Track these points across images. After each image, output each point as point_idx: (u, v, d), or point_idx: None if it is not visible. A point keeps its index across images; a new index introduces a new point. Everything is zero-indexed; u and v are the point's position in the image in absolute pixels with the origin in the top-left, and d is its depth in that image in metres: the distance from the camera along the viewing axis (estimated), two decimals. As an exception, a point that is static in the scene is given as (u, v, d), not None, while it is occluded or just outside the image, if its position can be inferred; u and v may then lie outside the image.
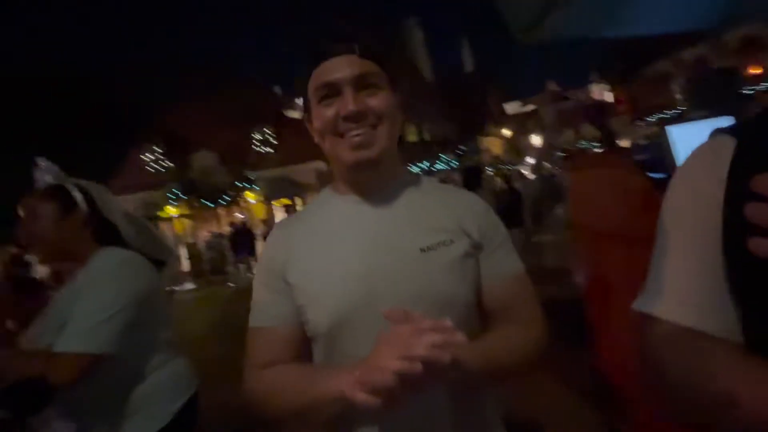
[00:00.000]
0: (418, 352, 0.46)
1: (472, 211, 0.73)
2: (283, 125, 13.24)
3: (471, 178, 5.30)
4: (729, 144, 0.46)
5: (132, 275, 1.09)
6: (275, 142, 13.40)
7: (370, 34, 0.75)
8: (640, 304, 0.51)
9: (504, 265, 0.72)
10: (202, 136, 13.27)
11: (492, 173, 14.71)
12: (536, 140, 17.87)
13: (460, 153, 18.09)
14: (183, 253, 12.12)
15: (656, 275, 0.52)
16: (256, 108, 13.24)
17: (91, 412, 1.05)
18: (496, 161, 19.33)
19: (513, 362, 0.65)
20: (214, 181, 12.73)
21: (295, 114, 13.48)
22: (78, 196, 1.14)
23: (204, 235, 12.65)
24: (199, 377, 1.24)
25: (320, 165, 12.15)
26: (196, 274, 11.65)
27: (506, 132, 21.26)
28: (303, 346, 0.69)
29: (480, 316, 0.72)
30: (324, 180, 12.22)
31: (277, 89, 15.58)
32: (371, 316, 0.60)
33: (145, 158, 13.06)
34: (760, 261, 0.33)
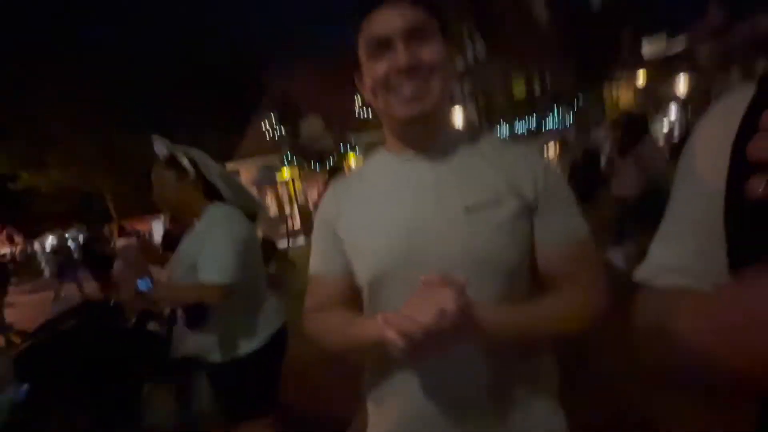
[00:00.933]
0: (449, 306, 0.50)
1: (528, 168, 0.68)
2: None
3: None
4: (748, 94, 0.43)
5: (237, 223, 1.34)
6: None
7: None
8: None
9: (563, 228, 0.67)
10: (310, 102, 14.05)
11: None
12: (682, 87, 13.87)
13: (576, 108, 15.74)
14: (295, 212, 13.36)
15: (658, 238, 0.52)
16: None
17: (213, 330, 1.33)
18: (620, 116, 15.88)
19: (555, 330, 0.65)
20: (320, 145, 13.50)
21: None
22: (185, 162, 1.38)
23: (313, 196, 13.70)
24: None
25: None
26: (305, 231, 12.81)
27: (640, 79, 16.91)
28: (354, 296, 0.74)
29: (533, 280, 0.69)
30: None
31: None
32: (412, 272, 0.59)
33: (263, 125, 14.43)
34: (755, 207, 0.33)
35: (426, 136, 0.70)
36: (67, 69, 15.33)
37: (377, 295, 0.69)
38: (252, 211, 1.46)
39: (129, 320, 2.00)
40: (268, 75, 16.37)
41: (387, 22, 0.63)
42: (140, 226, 15.61)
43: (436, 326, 0.50)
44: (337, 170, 4.99)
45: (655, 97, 16.21)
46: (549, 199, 0.66)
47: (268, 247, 5.70)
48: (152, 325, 2.02)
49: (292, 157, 13.46)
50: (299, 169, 14.13)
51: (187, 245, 1.33)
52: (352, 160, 13.68)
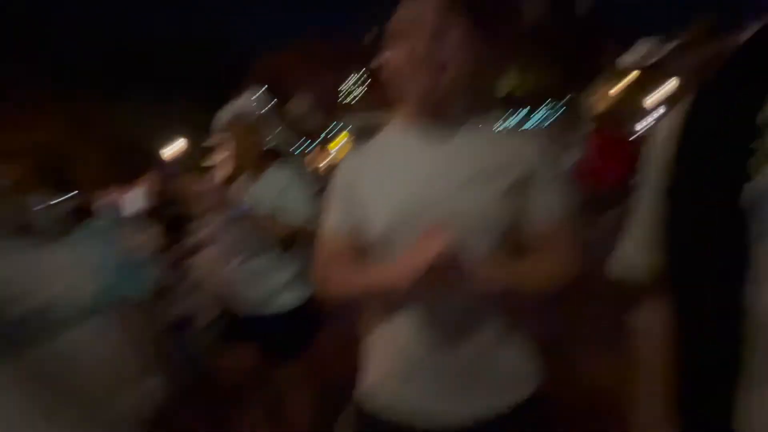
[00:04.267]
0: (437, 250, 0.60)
1: (528, 148, 0.77)
2: (375, 68, 13.13)
3: None
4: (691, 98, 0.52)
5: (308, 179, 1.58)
6: (367, 87, 13.42)
7: None
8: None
9: (548, 204, 0.76)
10: (298, 82, 13.84)
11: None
12: (661, 92, 14.36)
13: (560, 108, 16.17)
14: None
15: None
16: (349, 52, 13.25)
17: (286, 273, 1.52)
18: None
19: (533, 285, 0.74)
20: (308, 126, 13.38)
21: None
22: (269, 118, 1.59)
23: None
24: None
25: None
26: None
27: (612, 90, 17.54)
28: (361, 252, 0.82)
29: (519, 247, 0.78)
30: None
31: (371, 32, 15.28)
32: (418, 230, 0.68)
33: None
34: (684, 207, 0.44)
35: (441, 113, 0.76)
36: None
37: (387, 249, 0.77)
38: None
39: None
40: (255, 53, 15.97)
41: (413, 6, 0.72)
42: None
43: (439, 258, 0.60)
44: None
45: (634, 101, 16.86)
46: (540, 179, 0.75)
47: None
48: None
49: (285, 140, 13.18)
50: (285, 148, 13.86)
51: (260, 196, 1.48)
52: (343, 140, 13.63)
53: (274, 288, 1.51)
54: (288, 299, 1.52)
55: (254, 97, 1.59)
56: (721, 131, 0.49)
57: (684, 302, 0.54)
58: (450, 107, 0.76)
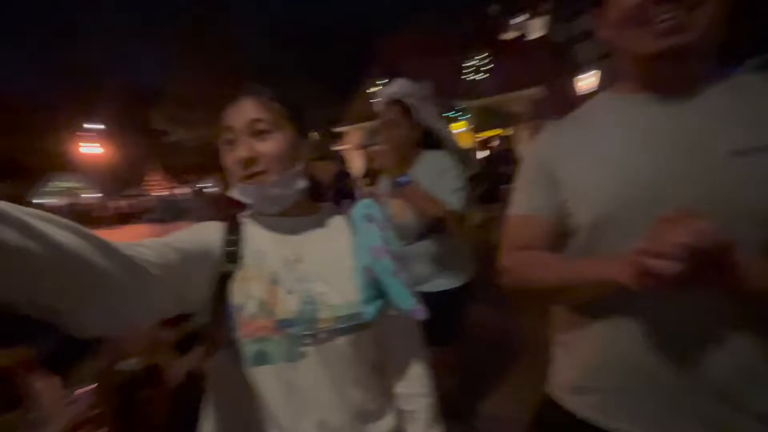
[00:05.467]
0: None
1: None
2: (497, 50, 12.33)
3: None
4: None
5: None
6: (488, 69, 12.74)
7: None
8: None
9: None
10: (416, 66, 13.79)
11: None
12: None
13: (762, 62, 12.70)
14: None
15: None
16: (469, 33, 12.71)
17: (438, 259, 1.54)
18: None
19: None
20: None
21: (511, 35, 12.34)
22: (417, 106, 1.59)
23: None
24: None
25: (533, 92, 10.98)
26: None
27: None
28: (556, 242, 0.73)
29: None
30: (537, 109, 11.08)
31: (494, 8, 14.30)
32: (646, 216, 0.54)
33: (370, 90, 14.66)
34: None
35: (679, 75, 0.62)
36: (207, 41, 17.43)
37: (598, 238, 0.66)
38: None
39: None
40: (379, 40, 16.45)
41: None
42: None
43: (695, 245, 0.45)
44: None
45: None
46: None
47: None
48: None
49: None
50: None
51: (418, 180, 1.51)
52: (457, 128, 13.25)
53: (430, 271, 1.53)
54: (441, 283, 1.53)
55: (404, 83, 1.59)
56: None
57: None
58: (696, 61, 0.61)
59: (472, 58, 13.15)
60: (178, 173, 22.28)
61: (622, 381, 0.64)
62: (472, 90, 12.97)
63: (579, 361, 0.71)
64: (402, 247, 0.75)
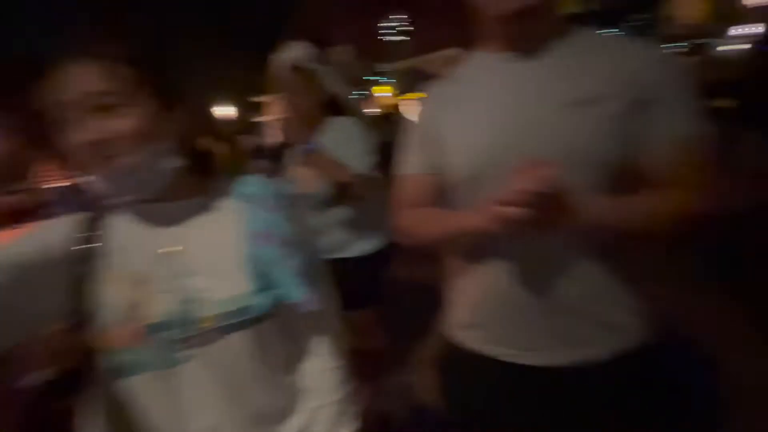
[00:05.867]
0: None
1: (642, 63, 0.64)
2: (417, 11, 12.28)
3: None
4: None
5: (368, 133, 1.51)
6: (407, 31, 12.69)
7: None
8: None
9: (669, 126, 0.63)
10: (337, 31, 13.32)
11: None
12: None
13: (637, 24, 14.02)
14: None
15: None
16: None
17: (351, 223, 1.51)
18: (691, 33, 12.87)
19: (653, 225, 0.64)
20: (351, 76, 12.96)
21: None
22: (320, 70, 1.51)
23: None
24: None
25: (451, 53, 11.22)
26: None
27: None
28: (443, 197, 0.76)
29: (635, 182, 0.66)
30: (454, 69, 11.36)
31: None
32: (508, 168, 0.57)
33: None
34: None
35: (527, 33, 0.67)
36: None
37: (473, 192, 0.70)
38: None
39: None
40: (299, 3, 15.48)
41: None
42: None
43: (537, 190, 0.51)
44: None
45: (728, 9, 14.33)
46: (663, 95, 0.62)
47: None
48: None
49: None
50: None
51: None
52: (381, 92, 13.19)
53: (346, 237, 1.52)
54: (357, 249, 1.52)
55: (304, 48, 1.50)
56: None
57: None
58: (539, 19, 0.65)
59: (391, 20, 12.97)
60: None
61: (499, 313, 0.72)
62: (393, 52, 12.91)
63: (466, 301, 0.78)
64: (296, 229, 0.65)
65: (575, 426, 0.71)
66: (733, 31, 12.37)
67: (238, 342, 0.59)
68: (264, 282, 0.60)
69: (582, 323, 0.68)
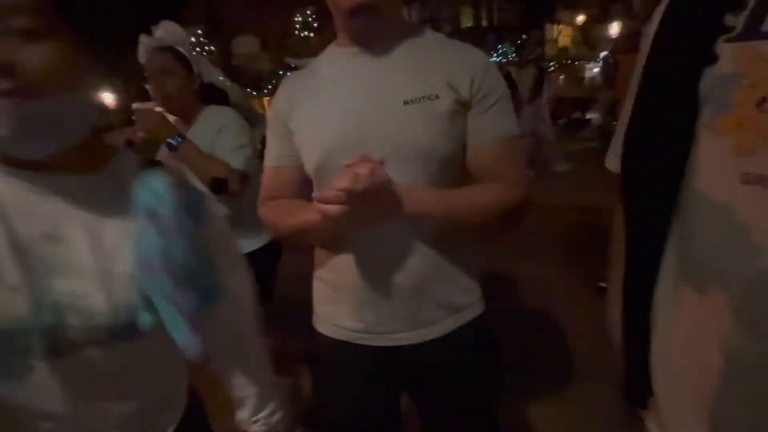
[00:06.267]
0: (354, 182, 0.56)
1: (469, 67, 0.71)
2: (325, 6, 12.34)
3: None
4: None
5: (246, 123, 1.43)
6: (315, 26, 12.71)
7: None
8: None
9: (493, 126, 0.71)
10: (243, 20, 11.73)
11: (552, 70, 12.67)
12: (614, 29, 12.54)
13: (520, 43, 13.56)
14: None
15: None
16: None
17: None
18: (561, 55, 15.00)
19: (474, 215, 0.70)
20: (256, 68, 12.53)
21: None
22: (192, 57, 1.43)
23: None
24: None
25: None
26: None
27: (579, 18, 14.87)
28: (304, 186, 0.80)
29: (463, 176, 0.75)
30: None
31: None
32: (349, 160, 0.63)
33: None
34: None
35: (372, 30, 0.70)
36: None
37: (324, 182, 0.74)
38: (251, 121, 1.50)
39: None
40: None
41: None
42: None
43: (351, 188, 0.55)
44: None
45: (591, 39, 13.83)
46: (483, 97, 0.70)
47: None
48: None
49: (222, 79, 12.34)
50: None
51: (195, 140, 1.30)
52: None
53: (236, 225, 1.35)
54: (242, 246, 1.34)
55: (174, 29, 1.35)
56: (690, 13, 0.46)
57: (628, 195, 0.54)
58: (382, 21, 0.70)
59: (302, 15, 12.96)
60: None
61: (356, 299, 0.75)
62: (303, 46, 13.65)
63: (324, 288, 0.81)
64: (194, 259, 0.50)
65: (428, 398, 0.82)
66: (602, 54, 17.22)
67: (104, 359, 0.47)
68: (150, 303, 0.48)
69: (425, 305, 0.74)
